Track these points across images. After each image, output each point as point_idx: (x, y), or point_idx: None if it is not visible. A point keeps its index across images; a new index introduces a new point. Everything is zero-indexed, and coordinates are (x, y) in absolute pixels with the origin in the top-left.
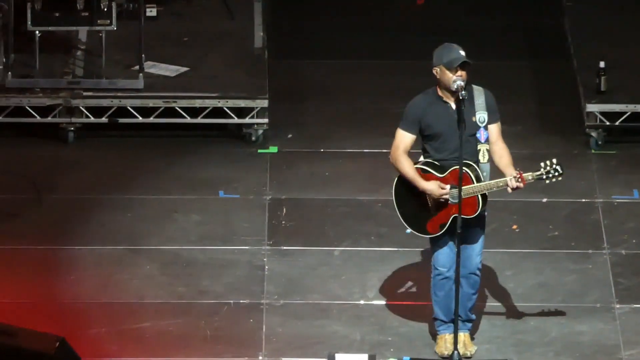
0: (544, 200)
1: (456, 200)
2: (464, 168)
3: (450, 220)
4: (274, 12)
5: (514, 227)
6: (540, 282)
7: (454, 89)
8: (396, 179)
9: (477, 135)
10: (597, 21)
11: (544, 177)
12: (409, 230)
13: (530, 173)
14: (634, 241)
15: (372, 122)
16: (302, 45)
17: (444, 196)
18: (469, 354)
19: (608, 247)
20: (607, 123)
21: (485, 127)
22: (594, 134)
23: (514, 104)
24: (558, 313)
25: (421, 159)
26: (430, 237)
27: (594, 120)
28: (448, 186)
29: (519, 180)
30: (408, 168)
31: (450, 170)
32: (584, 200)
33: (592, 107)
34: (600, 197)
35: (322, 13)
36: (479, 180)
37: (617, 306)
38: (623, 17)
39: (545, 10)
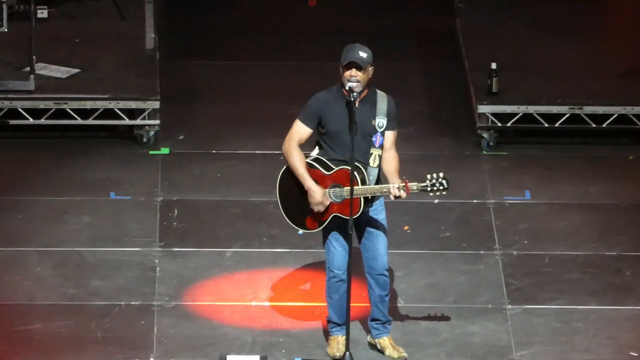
0: (436, 201)
1: (338, 200)
2: (350, 169)
3: (329, 219)
4: (165, 13)
5: (406, 227)
6: (432, 282)
7: (346, 89)
8: (284, 168)
9: (373, 139)
10: (489, 22)
11: (429, 189)
12: (301, 231)
13: (416, 183)
14: (525, 242)
15: (264, 123)
16: (194, 46)
17: (317, 207)
18: (405, 355)
19: (499, 247)
20: (499, 124)
21: (382, 133)
22: (485, 135)
23: (406, 105)
24: (449, 314)
25: (314, 152)
26: (325, 242)
27: (486, 121)
28: (329, 202)
29: (403, 189)
30: (299, 163)
31: (337, 169)
32: (475, 201)
33: (483, 109)
34: (491, 198)
35: (214, 14)
36: (364, 183)
37: (509, 307)
38: (514, 18)
39: (437, 11)
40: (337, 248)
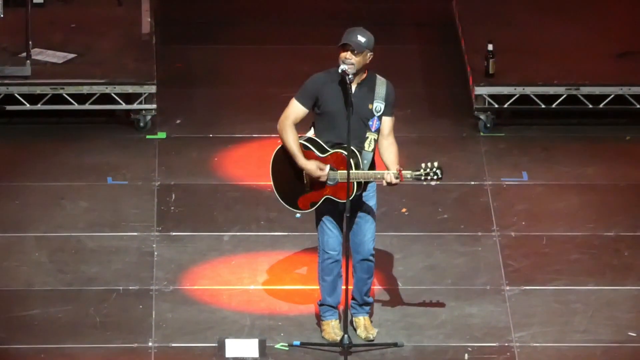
0: (433, 183)
1: (331, 183)
2: (344, 153)
3: (321, 200)
4: None
5: (404, 210)
6: (430, 264)
7: (339, 71)
8: (277, 148)
9: (369, 122)
10: (485, 4)
11: (422, 177)
12: (298, 214)
13: (410, 172)
14: (523, 223)
15: (261, 107)
16: (191, 30)
17: (321, 178)
18: (371, 337)
19: (497, 229)
20: (496, 106)
21: (379, 118)
22: (482, 116)
23: (403, 87)
24: (448, 295)
25: (309, 133)
26: (318, 223)
27: (483, 103)
28: (327, 167)
29: (397, 176)
30: (292, 142)
31: (331, 152)
32: (473, 183)
33: (480, 90)
34: (489, 179)
35: None
36: (357, 167)
37: (507, 288)
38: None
39: None
40: (332, 230)
